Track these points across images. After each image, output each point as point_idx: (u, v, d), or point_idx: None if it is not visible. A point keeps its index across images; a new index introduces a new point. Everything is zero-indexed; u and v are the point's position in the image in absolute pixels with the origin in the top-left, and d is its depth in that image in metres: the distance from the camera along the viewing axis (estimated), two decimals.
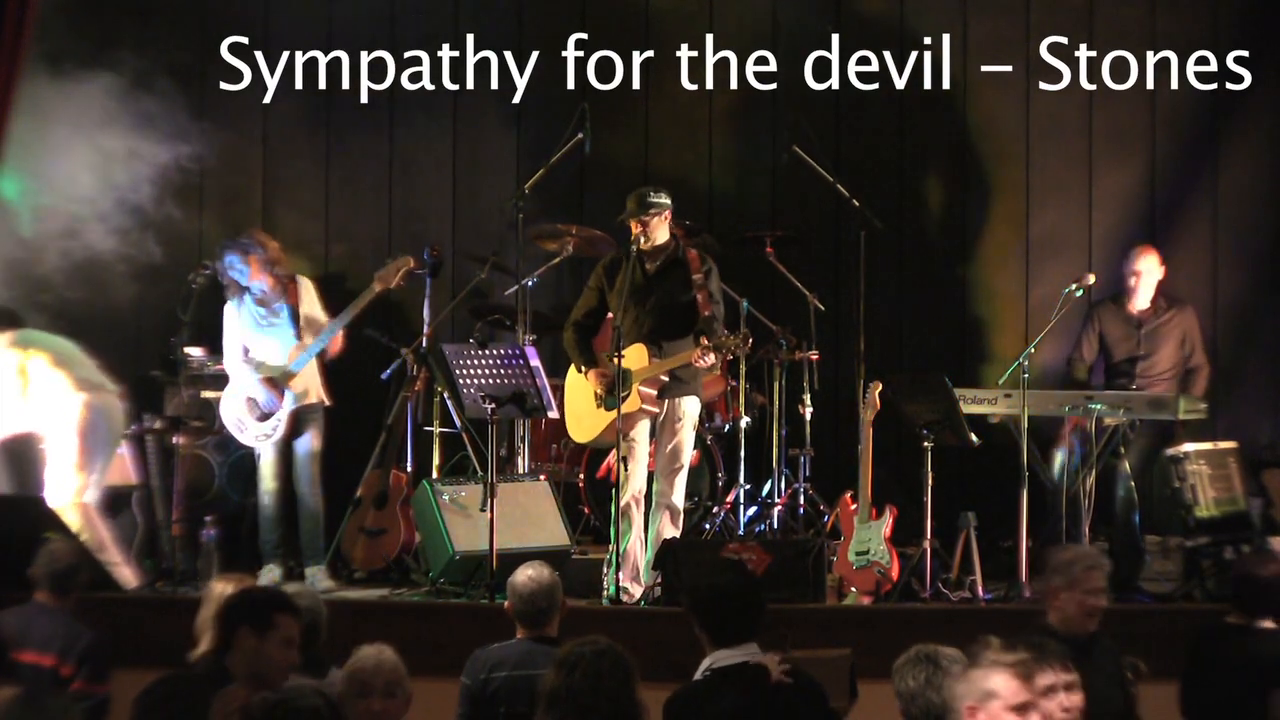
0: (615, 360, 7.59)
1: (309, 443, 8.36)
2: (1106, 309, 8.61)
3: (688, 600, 4.95)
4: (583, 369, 7.90)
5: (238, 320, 8.43)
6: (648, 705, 4.43)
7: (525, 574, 5.64)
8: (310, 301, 8.44)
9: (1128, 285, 8.55)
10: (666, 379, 7.74)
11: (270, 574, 8.19)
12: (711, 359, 7.69)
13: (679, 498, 7.85)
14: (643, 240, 7.80)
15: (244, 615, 4.70)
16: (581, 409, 7.95)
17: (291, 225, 9.88)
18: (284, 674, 4.74)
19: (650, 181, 9.86)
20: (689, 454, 7.90)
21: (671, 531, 7.78)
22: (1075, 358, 8.70)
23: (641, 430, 7.79)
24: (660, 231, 7.84)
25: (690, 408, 7.86)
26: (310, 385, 8.37)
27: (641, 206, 7.80)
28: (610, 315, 8.01)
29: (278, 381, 8.32)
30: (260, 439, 8.33)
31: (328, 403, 8.45)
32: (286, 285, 8.39)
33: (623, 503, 7.72)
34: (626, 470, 7.72)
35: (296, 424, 8.33)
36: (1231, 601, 6.17)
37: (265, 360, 8.37)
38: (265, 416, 8.31)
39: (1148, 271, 8.53)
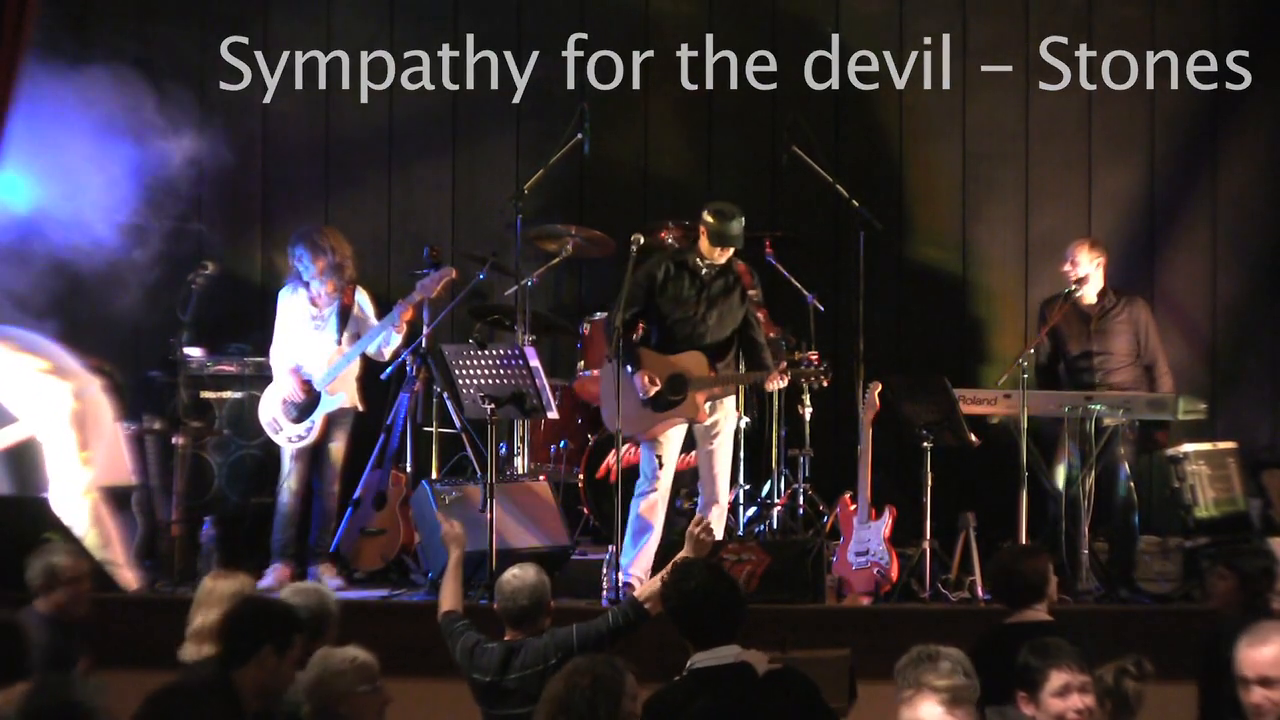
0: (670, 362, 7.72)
1: (337, 445, 8.37)
2: (1057, 305, 8.53)
3: (664, 605, 4.97)
4: (629, 368, 7.85)
5: (290, 309, 8.41)
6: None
7: (511, 572, 5.70)
8: (364, 315, 8.42)
9: (1070, 282, 8.50)
10: (719, 390, 7.81)
11: (278, 573, 8.19)
12: (785, 383, 7.85)
13: (724, 494, 7.95)
14: (716, 254, 7.79)
15: (269, 634, 4.69)
16: (627, 405, 7.88)
17: (291, 225, 9.84)
18: (286, 689, 4.78)
19: (650, 183, 9.92)
20: (730, 454, 8.00)
21: (719, 526, 7.88)
22: (1033, 350, 8.70)
23: (678, 432, 7.86)
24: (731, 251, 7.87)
25: (730, 409, 7.97)
26: (346, 390, 8.37)
27: (726, 237, 7.72)
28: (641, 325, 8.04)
29: (307, 382, 8.32)
30: (293, 440, 8.32)
31: (361, 408, 8.46)
32: (344, 291, 8.37)
33: (651, 501, 7.78)
34: (661, 468, 7.78)
35: (328, 427, 8.33)
36: (1002, 601, 6.06)
37: (301, 362, 8.36)
38: (298, 417, 8.30)
39: (1083, 264, 8.47)
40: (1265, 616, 5.79)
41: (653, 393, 7.80)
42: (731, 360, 7.92)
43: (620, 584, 7.65)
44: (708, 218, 7.77)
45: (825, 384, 8.12)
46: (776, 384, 7.87)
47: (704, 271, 7.84)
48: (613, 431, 8.17)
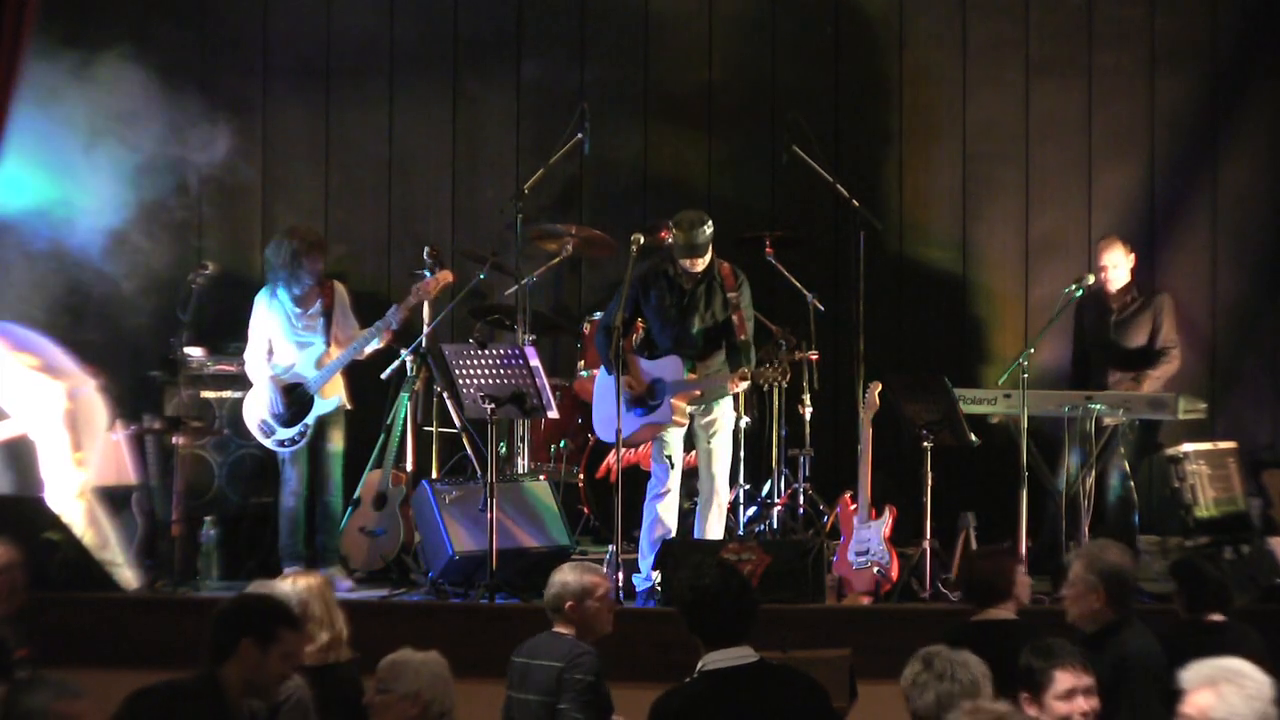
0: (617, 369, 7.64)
1: (333, 445, 8.32)
2: (1086, 302, 8.66)
3: (677, 603, 4.96)
4: (612, 375, 7.89)
5: (268, 315, 8.31)
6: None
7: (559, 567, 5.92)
8: (345, 311, 8.38)
9: (1099, 279, 8.60)
10: (700, 392, 7.81)
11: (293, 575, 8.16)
12: (746, 385, 7.85)
13: (724, 492, 7.98)
14: (689, 263, 7.82)
15: (248, 627, 4.61)
16: (612, 412, 7.91)
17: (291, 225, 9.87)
18: (279, 685, 4.73)
19: (650, 183, 9.90)
20: (729, 453, 8.01)
21: (719, 525, 7.92)
22: (1074, 355, 8.80)
23: (675, 436, 7.90)
24: (707, 259, 7.86)
25: (726, 410, 7.97)
26: (336, 389, 8.32)
27: (694, 248, 7.76)
28: (641, 324, 8.09)
29: (292, 388, 8.28)
30: (285, 444, 8.28)
31: (349, 406, 8.43)
32: (325, 287, 8.34)
33: (668, 503, 7.87)
34: (672, 468, 7.86)
35: (324, 428, 8.29)
36: (968, 600, 6.08)
37: (288, 366, 8.30)
38: (289, 421, 8.26)
39: (1114, 265, 8.61)
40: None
41: (639, 392, 7.84)
42: (719, 366, 7.93)
43: (639, 588, 7.75)
44: (675, 232, 7.82)
45: (785, 383, 8.20)
46: (737, 387, 7.86)
47: (683, 280, 7.87)
48: (602, 435, 8.23)
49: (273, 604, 4.84)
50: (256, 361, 8.33)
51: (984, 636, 5.26)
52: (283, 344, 8.31)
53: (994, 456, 8.47)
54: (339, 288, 8.41)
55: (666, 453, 7.89)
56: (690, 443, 8.05)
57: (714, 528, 7.91)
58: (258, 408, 8.32)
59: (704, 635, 4.82)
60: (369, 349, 8.27)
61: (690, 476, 8.20)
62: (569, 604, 5.71)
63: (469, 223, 10.05)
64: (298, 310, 8.30)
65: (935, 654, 4.45)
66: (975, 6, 9.85)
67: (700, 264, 7.83)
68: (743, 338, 7.83)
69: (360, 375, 8.63)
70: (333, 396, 8.27)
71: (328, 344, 8.27)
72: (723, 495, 7.97)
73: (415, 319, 8.70)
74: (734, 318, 7.86)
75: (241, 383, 8.99)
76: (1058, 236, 9.77)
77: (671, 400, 7.79)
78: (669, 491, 7.89)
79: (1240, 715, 3.94)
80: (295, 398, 8.26)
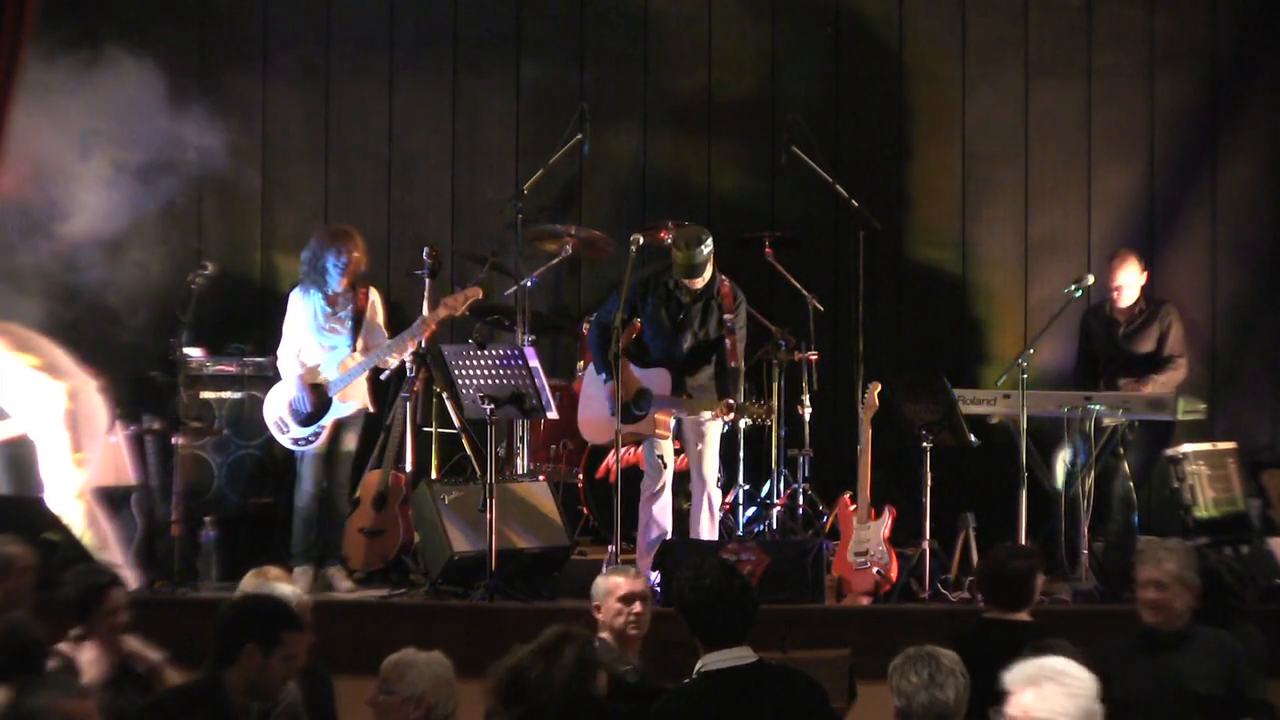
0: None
1: (347, 446, 8.32)
2: (1093, 315, 8.75)
3: (676, 603, 4.97)
4: (604, 375, 7.91)
5: (302, 313, 8.33)
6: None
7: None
8: (376, 318, 8.38)
9: (1110, 294, 8.65)
10: (685, 410, 7.86)
11: (307, 575, 8.15)
12: (731, 417, 7.87)
13: (715, 494, 7.99)
14: (688, 282, 7.83)
15: (251, 632, 4.61)
16: (599, 415, 7.93)
17: (291, 225, 9.87)
18: (281, 688, 4.74)
19: (650, 183, 9.90)
20: (717, 455, 8.02)
21: (711, 527, 7.93)
22: (1079, 363, 8.83)
23: (665, 446, 7.94)
24: (706, 276, 7.86)
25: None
26: (358, 396, 8.32)
27: (692, 267, 7.74)
28: (637, 324, 8.11)
29: (318, 388, 8.27)
30: (299, 443, 8.27)
31: (372, 410, 8.43)
32: (358, 291, 8.35)
33: (663, 503, 7.91)
34: (665, 467, 7.90)
35: (338, 429, 8.28)
36: (986, 598, 6.06)
37: (313, 366, 8.29)
38: (306, 420, 8.27)
39: (1128, 285, 8.62)
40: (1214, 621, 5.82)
41: (626, 400, 7.86)
42: (706, 380, 7.94)
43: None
44: (674, 251, 7.83)
45: (769, 422, 8.29)
46: (721, 415, 7.85)
47: (682, 294, 7.88)
48: (586, 436, 8.22)
49: (275, 607, 4.83)
50: (287, 357, 8.35)
51: (999, 636, 5.24)
52: (309, 341, 8.32)
53: (994, 456, 8.47)
54: (374, 295, 8.42)
55: (658, 453, 7.92)
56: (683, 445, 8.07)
57: (706, 529, 7.91)
58: (279, 404, 8.32)
59: (704, 636, 4.83)
60: (391, 358, 8.27)
61: (685, 479, 8.20)
62: (594, 605, 5.73)
63: (469, 223, 10.06)
64: (328, 309, 8.30)
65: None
66: (975, 6, 9.85)
67: (700, 282, 7.83)
68: (733, 364, 7.84)
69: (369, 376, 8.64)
70: (351, 400, 8.27)
71: (353, 348, 8.27)
72: (714, 497, 7.97)
73: (413, 319, 8.70)
74: (727, 341, 7.87)
75: (241, 383, 9.00)
76: (1057, 236, 9.77)
77: (656, 415, 7.82)
78: (663, 490, 7.89)
79: (1066, 713, 3.88)
80: (318, 397, 8.26)
